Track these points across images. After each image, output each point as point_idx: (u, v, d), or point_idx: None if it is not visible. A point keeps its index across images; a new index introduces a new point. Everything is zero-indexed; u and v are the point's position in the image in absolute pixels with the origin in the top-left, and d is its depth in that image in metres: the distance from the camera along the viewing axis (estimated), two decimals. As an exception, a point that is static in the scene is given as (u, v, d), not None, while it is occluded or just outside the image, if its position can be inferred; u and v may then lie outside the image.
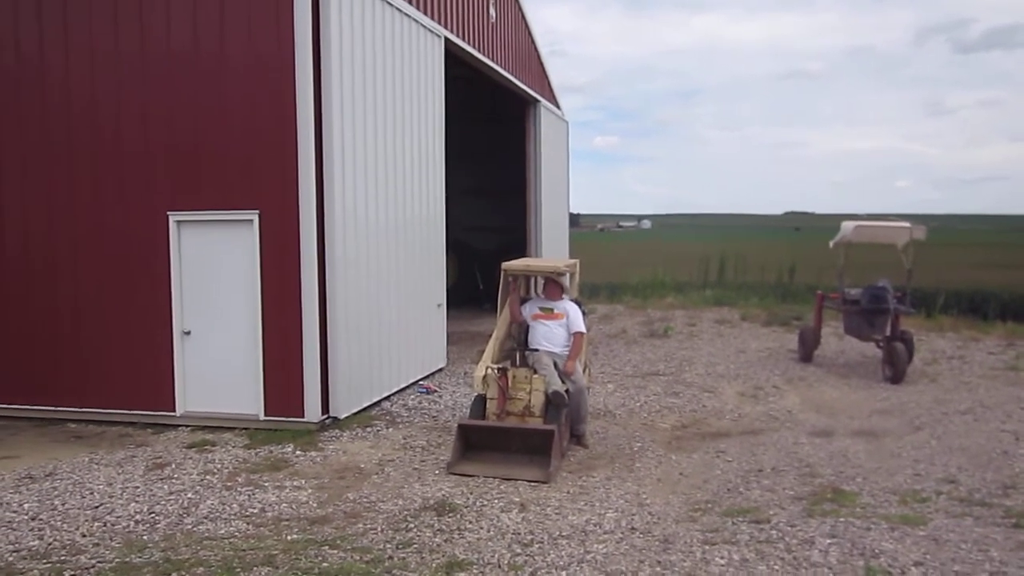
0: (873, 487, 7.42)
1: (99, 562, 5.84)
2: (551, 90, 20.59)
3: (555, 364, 8.59)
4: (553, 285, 9.18)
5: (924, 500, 7.06)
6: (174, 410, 9.88)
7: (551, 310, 9.03)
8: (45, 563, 5.85)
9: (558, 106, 21.27)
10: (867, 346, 13.94)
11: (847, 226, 13.77)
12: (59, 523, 6.65)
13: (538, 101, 18.88)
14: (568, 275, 9.79)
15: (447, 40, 13.02)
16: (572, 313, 9.00)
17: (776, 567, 5.69)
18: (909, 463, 8.17)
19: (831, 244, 14.13)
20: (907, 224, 13.47)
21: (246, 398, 9.68)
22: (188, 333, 9.85)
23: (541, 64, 19.69)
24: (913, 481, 7.60)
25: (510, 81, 16.77)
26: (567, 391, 8.39)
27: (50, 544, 6.22)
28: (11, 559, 5.94)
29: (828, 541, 6.11)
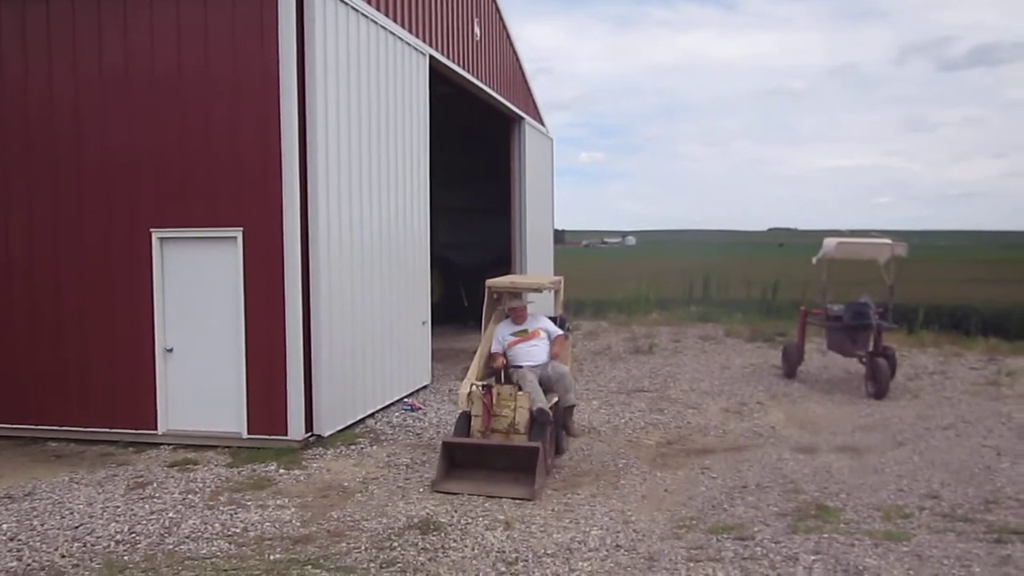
0: (857, 503, 7.45)
1: (78, 583, 5.78)
2: (536, 107, 20.70)
3: (539, 380, 8.60)
4: (516, 310, 9.18)
5: (907, 516, 7.09)
6: (156, 428, 9.80)
7: (525, 331, 9.05)
8: (23, 585, 5.78)
9: (543, 123, 21.38)
10: (850, 362, 14.00)
11: (829, 243, 13.88)
12: (38, 544, 6.56)
13: (522, 118, 18.97)
14: (554, 291, 9.83)
15: (432, 58, 13.08)
16: (546, 324, 9.04)
17: (760, 584, 5.70)
18: (892, 479, 8.21)
19: (814, 260, 14.23)
20: (888, 241, 13.59)
21: (229, 416, 9.61)
22: (170, 351, 9.79)
23: (526, 82, 19.81)
24: (896, 497, 7.64)
25: (494, 99, 16.85)
26: (552, 407, 8.39)
27: (29, 565, 6.15)
28: (-12, 581, 5.88)
29: (812, 558, 6.12)
